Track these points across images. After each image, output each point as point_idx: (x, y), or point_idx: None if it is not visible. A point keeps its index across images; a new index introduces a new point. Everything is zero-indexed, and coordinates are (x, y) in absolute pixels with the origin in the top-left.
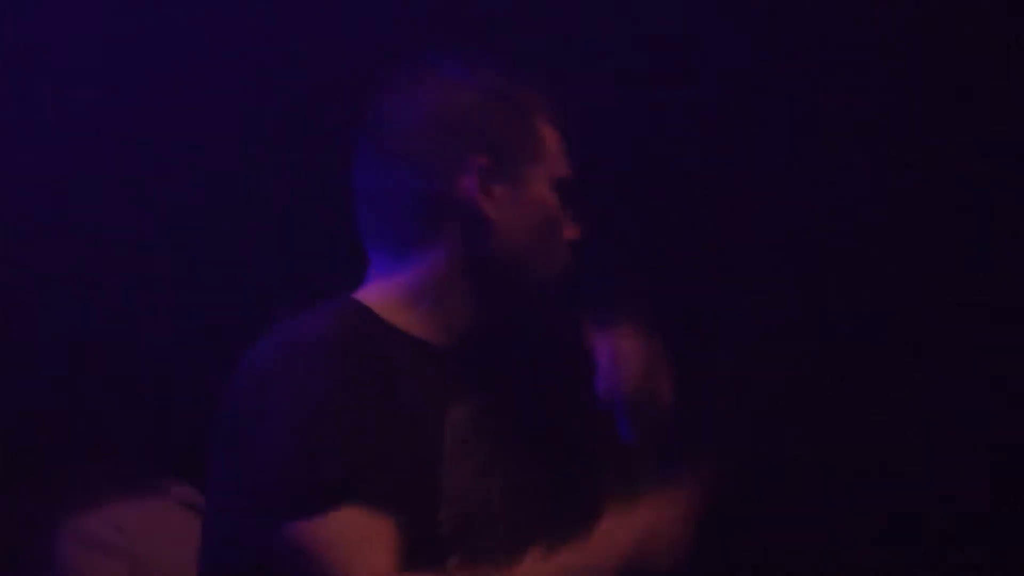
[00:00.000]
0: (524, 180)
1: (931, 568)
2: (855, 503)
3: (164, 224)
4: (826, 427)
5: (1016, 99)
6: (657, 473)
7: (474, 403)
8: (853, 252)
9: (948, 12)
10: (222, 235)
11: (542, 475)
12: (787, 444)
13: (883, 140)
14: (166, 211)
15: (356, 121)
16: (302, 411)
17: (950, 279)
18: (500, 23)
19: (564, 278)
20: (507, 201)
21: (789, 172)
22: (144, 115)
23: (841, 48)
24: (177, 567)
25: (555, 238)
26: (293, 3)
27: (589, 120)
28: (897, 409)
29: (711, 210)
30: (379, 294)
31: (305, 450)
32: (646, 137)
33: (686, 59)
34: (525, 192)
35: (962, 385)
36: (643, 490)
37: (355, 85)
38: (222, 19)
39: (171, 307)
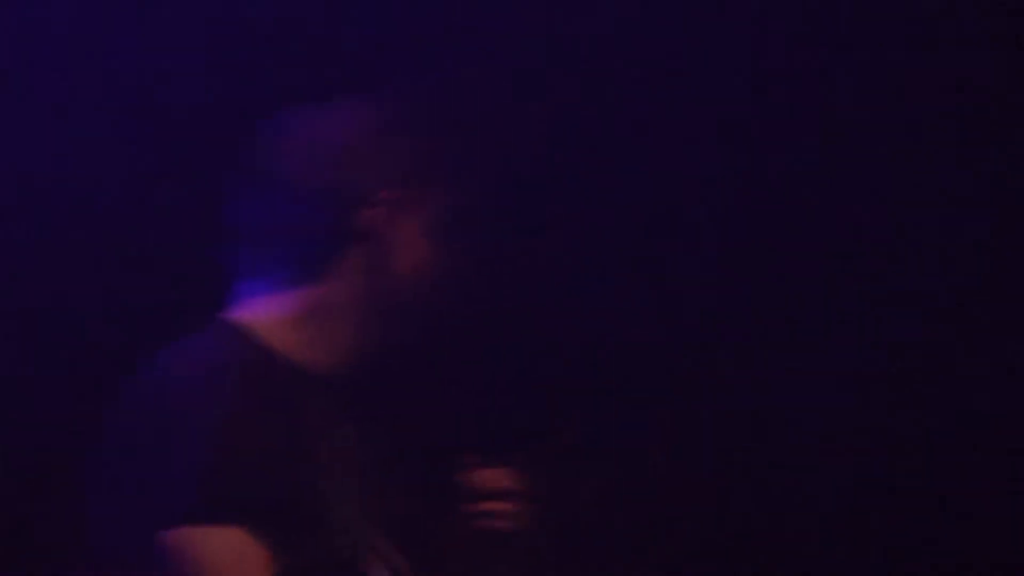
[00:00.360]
0: (421, 215)
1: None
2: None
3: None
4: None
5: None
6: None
7: (356, 431)
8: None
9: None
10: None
11: (423, 501)
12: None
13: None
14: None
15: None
16: (193, 432)
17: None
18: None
19: (449, 312)
20: (406, 234)
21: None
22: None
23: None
24: None
25: (442, 273)
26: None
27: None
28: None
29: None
30: (265, 318)
31: (194, 466)
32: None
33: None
34: (421, 227)
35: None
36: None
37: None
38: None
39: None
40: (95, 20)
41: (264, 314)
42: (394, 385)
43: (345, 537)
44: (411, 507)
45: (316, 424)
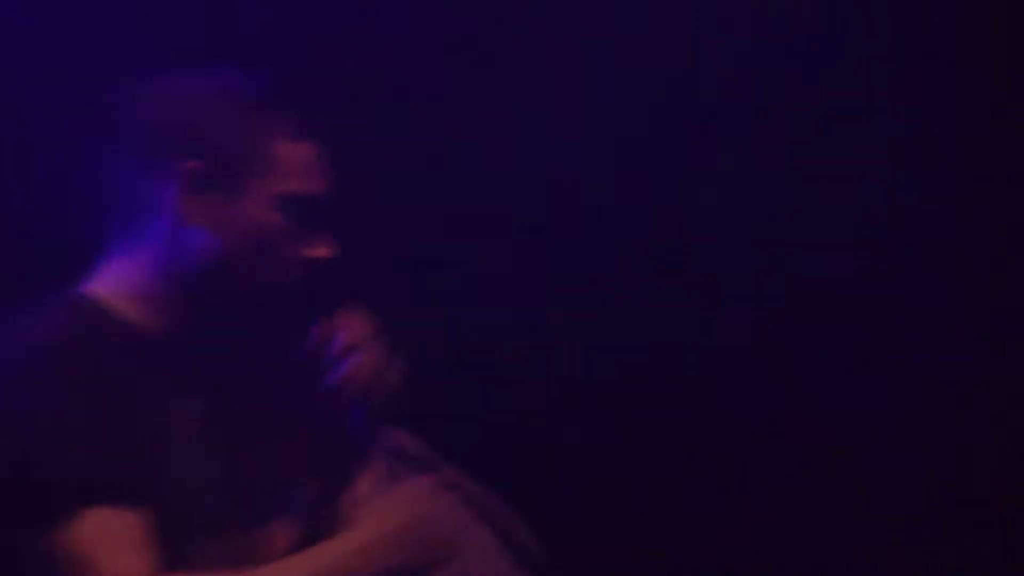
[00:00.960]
0: (241, 192)
1: None
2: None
3: None
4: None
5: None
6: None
7: (199, 397)
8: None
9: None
10: None
11: (268, 468)
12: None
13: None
14: None
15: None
16: (30, 417)
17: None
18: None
19: (298, 291)
20: (216, 210)
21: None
22: None
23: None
24: None
25: (274, 252)
26: None
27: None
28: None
29: None
30: (104, 287)
31: (36, 457)
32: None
33: None
34: (240, 204)
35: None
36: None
37: None
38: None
39: None
40: (95, 19)
41: (104, 282)
42: (232, 354)
43: (186, 505)
44: (258, 475)
45: (157, 392)
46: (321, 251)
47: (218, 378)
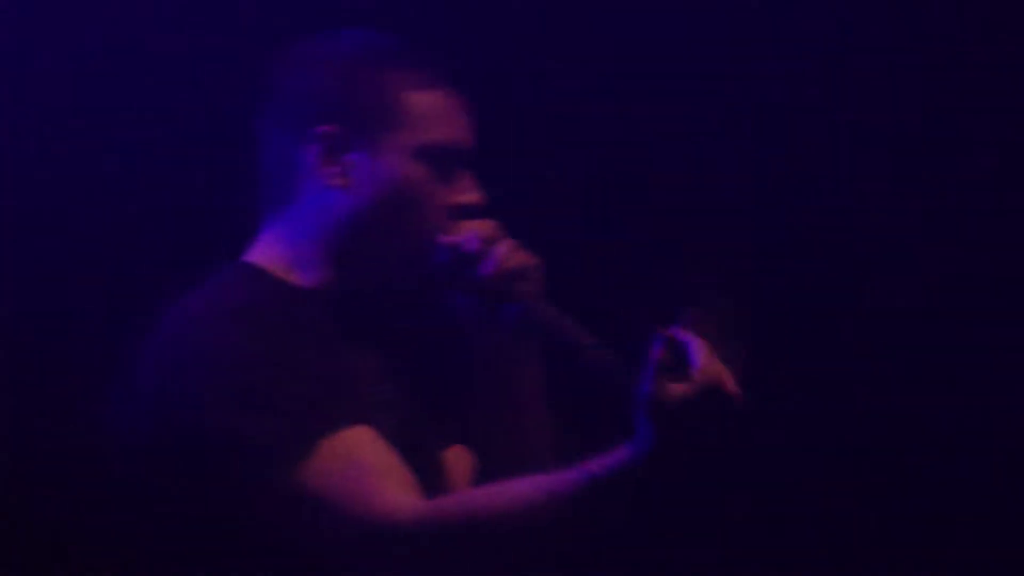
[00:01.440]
0: (378, 149)
1: None
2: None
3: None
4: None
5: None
6: None
7: (369, 348)
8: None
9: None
10: None
11: (442, 403)
12: None
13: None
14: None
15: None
16: (245, 368)
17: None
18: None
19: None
20: (359, 170)
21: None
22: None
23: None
24: None
25: (419, 204)
26: None
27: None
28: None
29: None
30: (264, 255)
31: (265, 401)
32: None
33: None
34: (378, 161)
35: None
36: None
37: None
38: None
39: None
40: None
41: (262, 250)
42: (395, 297)
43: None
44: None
45: (331, 345)
46: (468, 197)
47: (384, 328)
